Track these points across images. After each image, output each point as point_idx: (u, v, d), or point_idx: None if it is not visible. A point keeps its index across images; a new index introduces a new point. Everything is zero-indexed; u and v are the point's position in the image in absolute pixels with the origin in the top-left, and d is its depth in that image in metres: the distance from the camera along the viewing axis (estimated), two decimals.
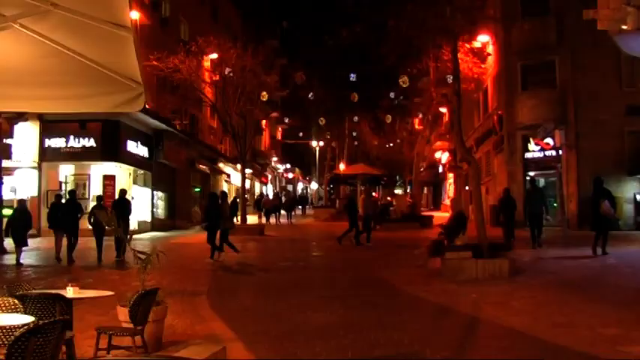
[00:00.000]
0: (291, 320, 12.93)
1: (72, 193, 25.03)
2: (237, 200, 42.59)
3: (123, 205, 24.08)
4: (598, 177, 23.79)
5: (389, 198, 65.64)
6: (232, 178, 59.49)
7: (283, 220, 53.72)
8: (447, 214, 41.83)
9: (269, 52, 41.91)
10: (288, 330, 11.94)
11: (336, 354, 10.25)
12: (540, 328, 11.61)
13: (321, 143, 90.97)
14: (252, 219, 48.48)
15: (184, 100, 42.39)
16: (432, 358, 9.98)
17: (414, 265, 21.05)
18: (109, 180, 34.22)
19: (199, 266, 22.19)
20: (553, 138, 28.44)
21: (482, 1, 38.38)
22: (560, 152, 28.46)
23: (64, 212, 22.99)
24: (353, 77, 61.53)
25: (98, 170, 34.46)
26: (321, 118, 67.16)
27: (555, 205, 33.64)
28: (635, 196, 33.47)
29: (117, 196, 26.08)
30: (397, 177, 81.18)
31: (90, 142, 33.07)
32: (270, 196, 62.11)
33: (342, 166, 72.54)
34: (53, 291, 8.75)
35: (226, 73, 40.03)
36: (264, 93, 42.90)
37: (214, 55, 40.68)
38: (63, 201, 24.08)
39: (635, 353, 9.75)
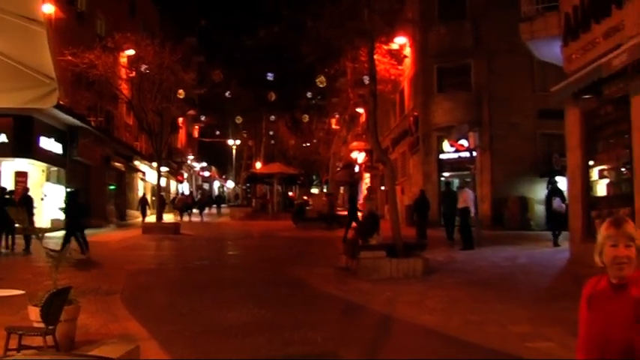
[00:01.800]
0: (206, 319, 12.85)
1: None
2: (151, 198, 42.17)
3: (26, 202, 23.74)
4: (553, 178, 25.41)
5: (305, 197, 65.80)
6: (148, 176, 58.81)
7: (196, 219, 53.46)
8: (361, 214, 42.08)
9: (187, 50, 41.63)
10: (203, 329, 11.86)
11: (251, 352, 10.26)
12: (453, 326, 11.81)
13: (238, 142, 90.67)
14: (168, 217, 48.15)
15: (100, 97, 41.60)
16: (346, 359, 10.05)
17: (330, 265, 21.13)
18: (21, 177, 33.44)
19: (113, 265, 21.87)
20: (467, 140, 28.84)
21: (400, 4, 38.86)
22: (475, 154, 28.88)
23: None
24: (271, 77, 61.52)
25: (10, 167, 33.64)
26: (239, 117, 66.91)
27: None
28: (545, 197, 34.21)
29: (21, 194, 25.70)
30: (314, 176, 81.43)
31: (1, 138, 32.22)
32: (185, 195, 61.77)
33: (258, 165, 72.40)
34: None
35: (143, 69, 39.54)
36: (181, 91, 42.49)
37: (131, 52, 40.17)
38: None
39: (542, 349, 9.99)
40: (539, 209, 33.68)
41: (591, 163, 18.92)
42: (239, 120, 67.54)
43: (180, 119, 67.89)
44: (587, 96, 18.06)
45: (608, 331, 3.77)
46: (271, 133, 78.26)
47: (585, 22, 17.94)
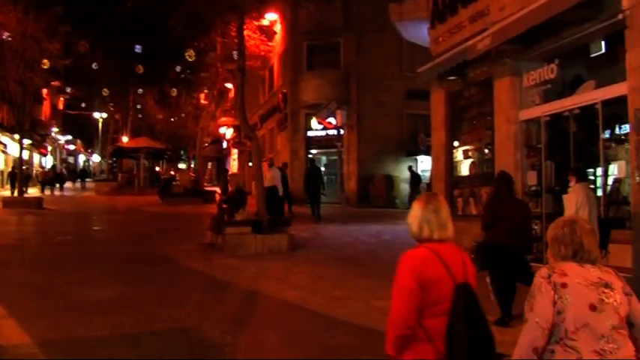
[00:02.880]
0: (68, 296, 12.54)
1: None
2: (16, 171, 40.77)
3: None
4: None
5: (172, 172, 64.99)
6: (9, 148, 56.78)
7: (60, 193, 52.16)
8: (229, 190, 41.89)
9: (52, 19, 40.20)
10: (65, 306, 11.59)
11: (114, 329, 10.09)
12: (317, 302, 11.89)
13: (105, 115, 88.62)
14: (33, 192, 46.78)
15: None
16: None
17: (195, 241, 20.94)
18: None
19: None
20: (335, 117, 29.04)
21: None
22: (342, 132, 29.12)
23: None
24: (139, 49, 60.28)
25: None
26: (105, 90, 65.35)
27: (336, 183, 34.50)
28: (410, 175, 34.80)
29: None
30: (181, 151, 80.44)
31: None
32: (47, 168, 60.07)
33: (125, 139, 70.99)
34: None
35: (4, 37, 38.05)
36: (46, 61, 41.11)
37: None
38: None
39: None
40: (405, 187, 34.37)
41: (456, 143, 19.33)
42: (106, 92, 65.92)
43: (45, 90, 65.84)
44: (452, 78, 18.44)
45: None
46: (139, 106, 76.67)
47: (452, 5, 18.27)
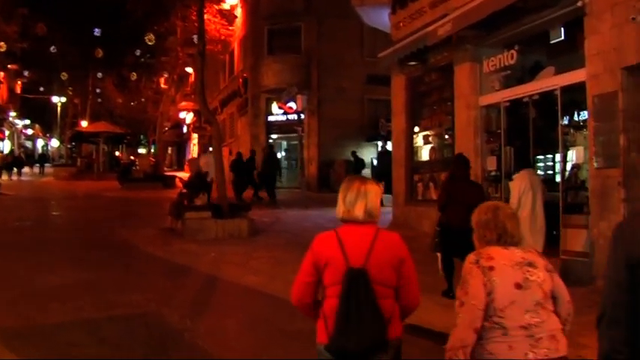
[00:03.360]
0: (26, 282, 12.41)
1: None
2: None
3: None
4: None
5: (132, 157, 64.56)
6: None
7: (16, 178, 51.64)
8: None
9: (9, 1, 39.66)
10: (23, 292, 11.50)
11: (74, 315, 10.02)
12: (278, 287, 11.85)
13: (64, 99, 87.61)
14: None
15: None
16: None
17: (155, 226, 20.82)
18: None
19: None
20: (296, 102, 29.05)
21: None
22: (303, 117, 29.12)
23: None
24: (97, 32, 59.65)
25: None
26: (64, 73, 64.56)
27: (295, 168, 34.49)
28: (372, 160, 34.83)
29: None
30: (141, 136, 79.85)
31: None
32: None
33: (84, 124, 70.24)
34: None
35: None
36: (3, 43, 40.61)
37: None
38: None
39: None
40: (365, 173, 34.44)
41: (416, 129, 19.40)
42: (64, 76, 65.03)
43: (1, 74, 65.03)
44: (412, 63, 18.48)
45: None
46: (98, 90, 75.90)
47: None
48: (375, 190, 4.51)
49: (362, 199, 4.41)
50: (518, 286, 3.94)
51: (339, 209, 4.49)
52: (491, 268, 3.97)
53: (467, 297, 3.96)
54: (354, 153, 32.27)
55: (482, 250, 4.16)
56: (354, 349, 4.09)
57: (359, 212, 4.40)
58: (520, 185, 11.37)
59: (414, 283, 4.42)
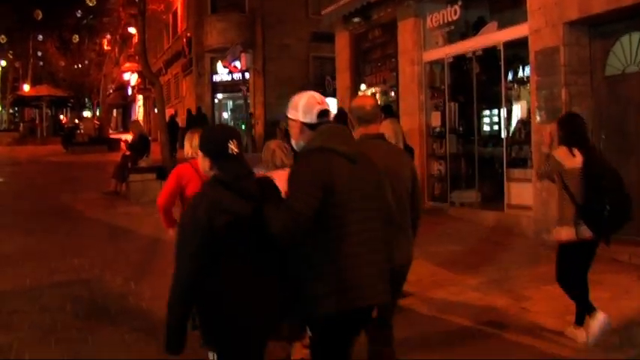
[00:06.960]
0: None
1: None
2: None
3: None
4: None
5: (76, 121, 63.67)
6: None
7: None
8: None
9: None
10: None
11: (15, 282, 9.88)
12: None
13: (4, 63, 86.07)
14: None
15: None
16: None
17: (99, 189, 20.53)
18: None
19: None
20: (240, 61, 28.77)
21: None
22: (248, 76, 28.87)
23: None
24: None
25: None
26: (3, 37, 63.35)
27: (243, 127, 34.20)
28: None
29: None
30: (85, 99, 78.82)
31: None
32: None
33: (26, 88, 69.07)
34: None
35: None
36: None
37: None
38: None
39: None
40: None
41: (363, 87, 19.33)
42: (3, 40, 63.84)
43: None
44: (356, 20, 18.40)
45: None
46: (40, 53, 74.69)
47: None
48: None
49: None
50: None
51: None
52: None
53: None
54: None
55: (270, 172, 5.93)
56: None
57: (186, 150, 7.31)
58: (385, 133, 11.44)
59: None
